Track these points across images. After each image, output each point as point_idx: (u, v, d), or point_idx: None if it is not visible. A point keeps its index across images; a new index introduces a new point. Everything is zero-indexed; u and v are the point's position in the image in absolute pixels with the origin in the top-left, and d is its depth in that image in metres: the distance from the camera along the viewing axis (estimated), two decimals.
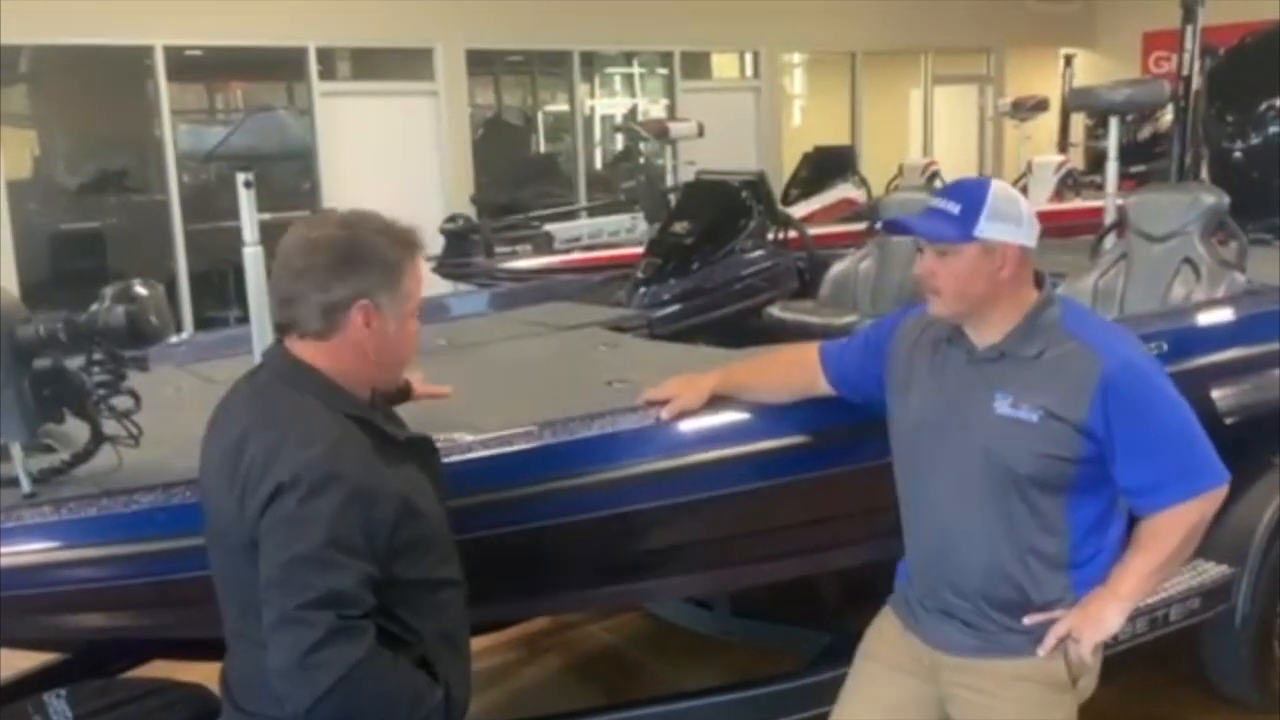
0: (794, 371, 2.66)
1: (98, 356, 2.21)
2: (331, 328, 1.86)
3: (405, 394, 2.44)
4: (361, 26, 8.53)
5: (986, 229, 2.17)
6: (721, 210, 4.83)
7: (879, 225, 5.01)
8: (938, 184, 9.61)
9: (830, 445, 2.74)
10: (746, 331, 4.67)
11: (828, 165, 8.94)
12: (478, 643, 4.19)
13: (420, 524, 1.90)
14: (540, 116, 11.06)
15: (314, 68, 8.39)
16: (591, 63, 10.82)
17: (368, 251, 1.87)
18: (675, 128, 7.04)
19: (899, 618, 2.46)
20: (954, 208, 2.21)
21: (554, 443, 2.50)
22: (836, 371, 2.57)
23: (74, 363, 2.24)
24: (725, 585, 3.48)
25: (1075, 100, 5.26)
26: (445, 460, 2.39)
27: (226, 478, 1.85)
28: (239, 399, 1.94)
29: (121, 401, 2.26)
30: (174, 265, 8.32)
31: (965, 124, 13.16)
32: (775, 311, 4.87)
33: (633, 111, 10.84)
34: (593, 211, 8.19)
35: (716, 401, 2.63)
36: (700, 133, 7.11)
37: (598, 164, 10.91)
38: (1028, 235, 2.21)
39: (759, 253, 4.60)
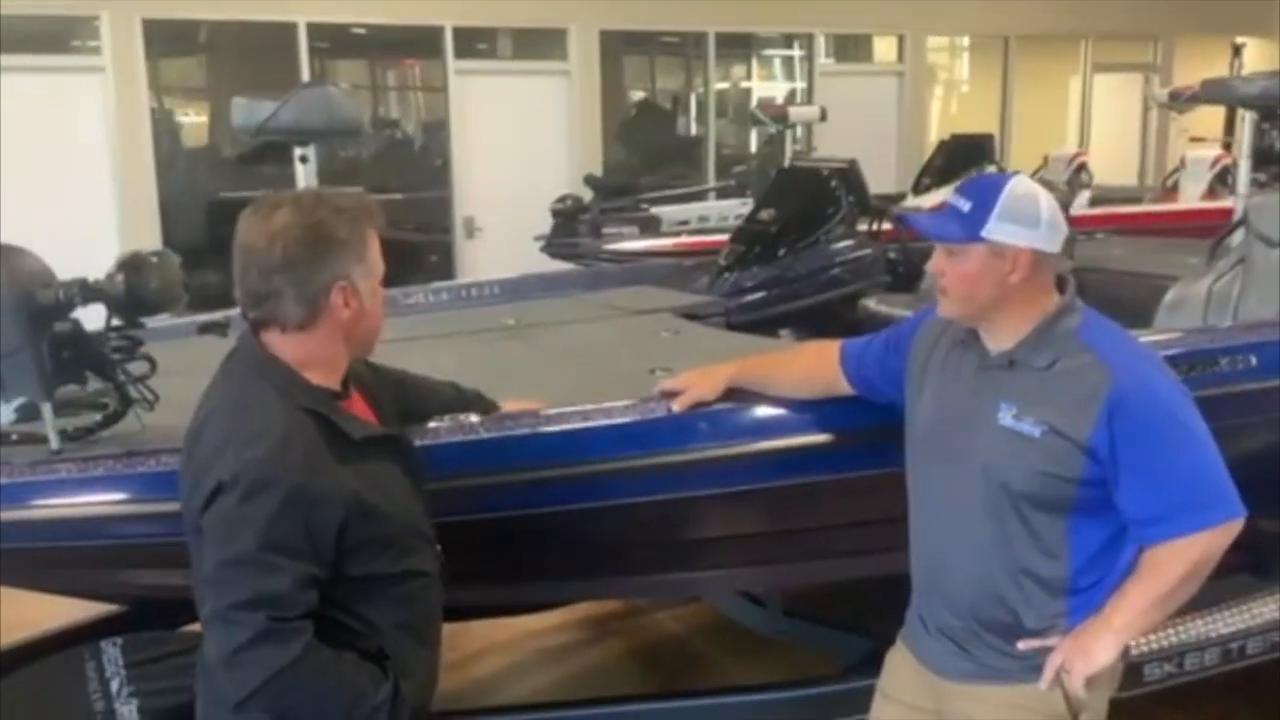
0: (814, 367, 2.57)
1: (115, 322, 2.30)
2: (313, 316, 1.87)
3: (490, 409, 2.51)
4: (498, 6, 8.64)
5: (995, 230, 2.04)
6: (809, 198, 4.72)
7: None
8: (1084, 177, 9.20)
9: (877, 444, 2.64)
10: (837, 323, 4.56)
11: (963, 154, 8.62)
12: (545, 620, 4.37)
13: (376, 522, 1.89)
14: (694, 99, 10.97)
15: (450, 46, 8.54)
16: (748, 44, 10.71)
17: (335, 233, 1.87)
18: (795, 112, 6.92)
19: (905, 641, 2.37)
20: (965, 205, 2.09)
21: (536, 433, 2.48)
22: (856, 370, 2.48)
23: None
24: (771, 582, 3.43)
25: (1206, 92, 4.92)
26: (453, 441, 2.43)
27: (184, 463, 1.90)
28: (212, 383, 1.96)
29: (137, 366, 2.35)
30: None
31: (1128, 115, 12.51)
32: (870, 304, 4.74)
33: (788, 95, 10.64)
34: (704, 195, 8.13)
35: (732, 394, 2.57)
36: (823, 117, 6.96)
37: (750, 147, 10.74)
38: (1045, 239, 2.06)
39: (846, 243, 4.47)
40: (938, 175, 8.53)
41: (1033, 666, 2.12)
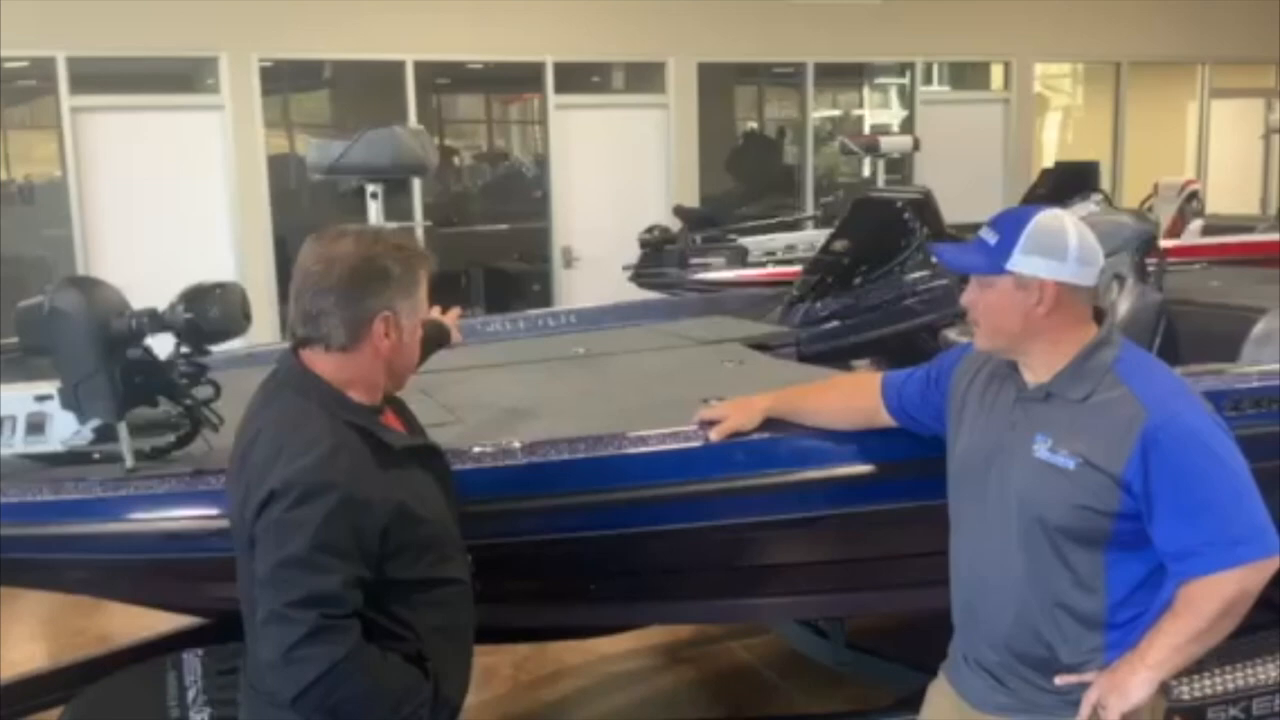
0: (854, 398, 2.59)
1: (184, 349, 2.45)
2: (355, 340, 1.99)
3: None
4: (597, 41, 8.82)
5: (1020, 262, 2.06)
6: (882, 229, 4.70)
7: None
8: (1195, 205, 8.92)
9: (935, 476, 2.64)
10: (917, 354, 4.53)
11: (1068, 182, 8.42)
12: (617, 645, 4.43)
13: (417, 527, 2.00)
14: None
15: (550, 81, 8.74)
16: (859, 73, 10.64)
17: (387, 268, 2.00)
18: (886, 142, 6.88)
19: (945, 674, 2.37)
20: (993, 238, 2.11)
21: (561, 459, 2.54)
22: (896, 402, 2.50)
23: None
24: (829, 610, 3.44)
25: None
26: (497, 465, 2.52)
27: (235, 478, 2.02)
28: (255, 403, 2.09)
29: (202, 391, 2.50)
30: None
31: (1249, 142, 12.07)
32: (951, 334, 4.70)
33: (869, 125, 10.58)
34: (800, 225, 8.13)
35: (770, 424, 2.60)
36: (916, 146, 6.90)
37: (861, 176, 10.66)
38: (1074, 272, 2.07)
39: (920, 274, 4.45)
40: (1041, 203, 8.36)
41: (1070, 701, 2.10)
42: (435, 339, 2.76)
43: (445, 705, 2.05)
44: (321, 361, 2.02)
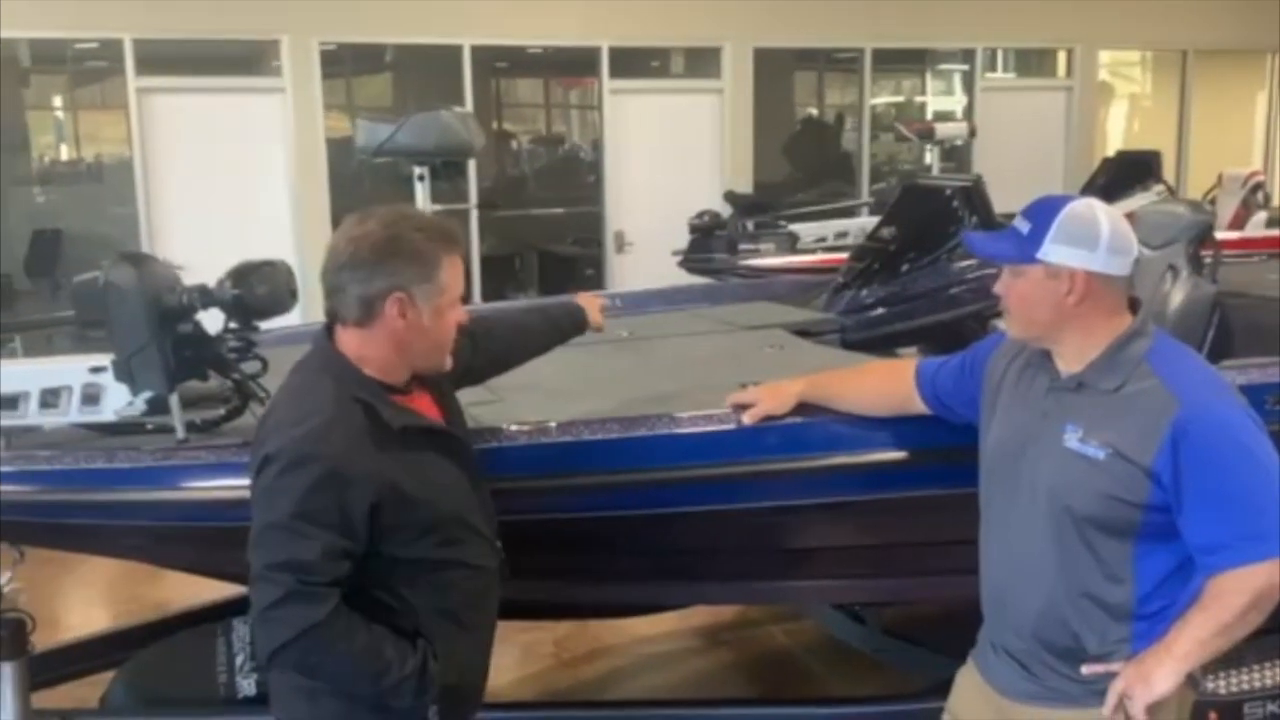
0: (888, 384, 2.60)
1: (232, 325, 2.53)
2: (369, 317, 2.01)
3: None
4: (653, 26, 8.82)
5: (1050, 251, 2.05)
6: (931, 217, 4.67)
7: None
8: (1259, 196, 8.73)
9: (970, 463, 2.65)
10: (961, 343, 4.51)
11: (1128, 171, 8.29)
12: (656, 626, 4.48)
13: (412, 508, 2.01)
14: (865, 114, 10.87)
15: (605, 66, 8.77)
16: (921, 59, 10.57)
17: (406, 247, 2.00)
18: (942, 129, 6.82)
19: (974, 661, 2.38)
20: (1025, 227, 2.10)
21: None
22: (930, 389, 2.50)
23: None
24: (863, 595, 3.44)
25: None
26: (533, 443, 2.56)
27: (254, 443, 2.08)
28: (287, 376, 2.14)
29: (250, 365, 2.57)
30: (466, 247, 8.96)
31: None
32: (1000, 324, 4.67)
33: (930, 112, 10.48)
34: (855, 211, 8.08)
35: (803, 409, 2.62)
36: (972, 134, 6.83)
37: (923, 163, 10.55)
38: (1105, 261, 2.06)
39: (967, 262, 4.41)
40: (1100, 193, 8.22)
41: (1097, 691, 2.10)
42: (566, 326, 2.78)
43: (438, 686, 2.05)
44: (345, 337, 2.06)
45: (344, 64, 8.63)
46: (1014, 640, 2.22)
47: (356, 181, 8.53)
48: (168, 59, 7.63)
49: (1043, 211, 2.09)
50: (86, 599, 5.02)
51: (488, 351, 2.51)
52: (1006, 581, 2.23)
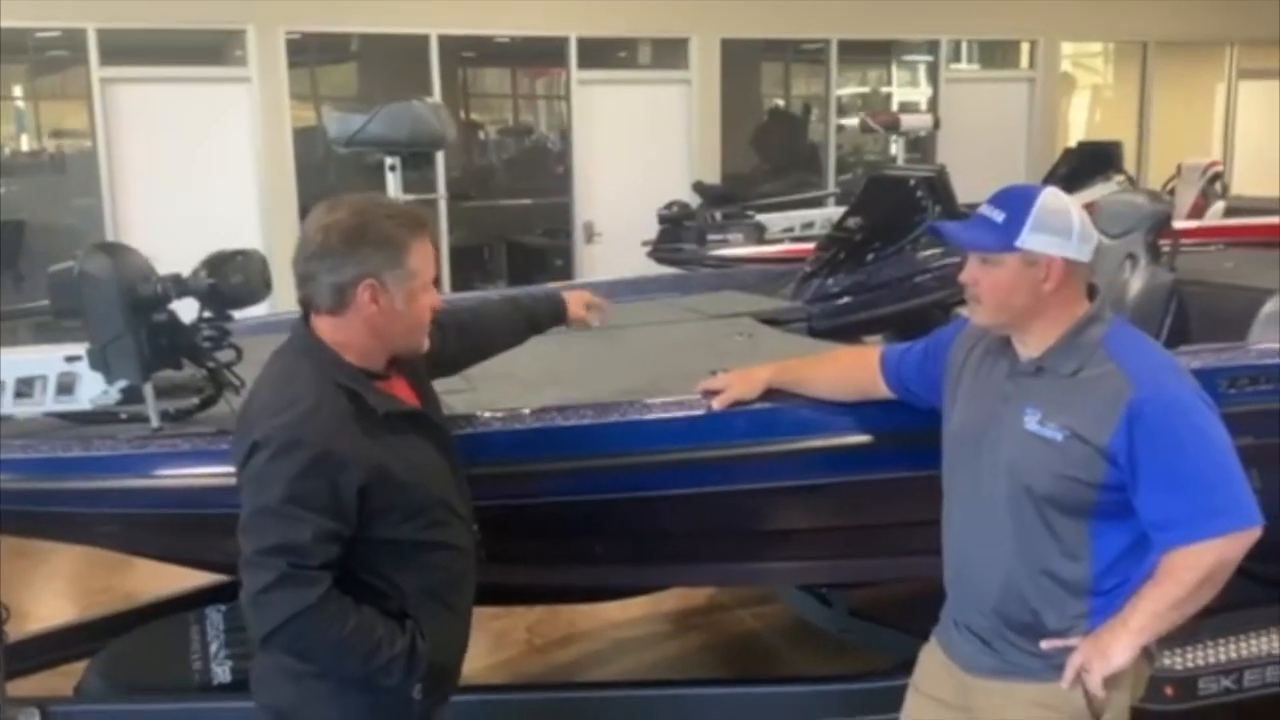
0: (853, 370, 2.66)
1: (206, 314, 2.55)
2: (342, 304, 2.04)
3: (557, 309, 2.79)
4: (621, 16, 8.85)
5: (1029, 240, 2.11)
6: (895, 207, 4.75)
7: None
8: (1218, 187, 8.88)
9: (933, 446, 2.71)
10: (926, 331, 4.59)
11: (1089, 162, 8.40)
12: (628, 611, 4.53)
13: (398, 490, 2.05)
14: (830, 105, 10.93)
15: (574, 56, 8.79)
16: (887, 50, 10.62)
17: (374, 234, 2.03)
18: (907, 120, 6.89)
19: (937, 638, 2.44)
20: (998, 216, 2.16)
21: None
22: (895, 375, 2.56)
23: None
24: (831, 577, 3.50)
25: None
26: (506, 430, 2.60)
27: (236, 434, 2.10)
28: (266, 364, 2.16)
29: (224, 354, 2.60)
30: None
31: (1277, 123, 11.97)
32: (963, 312, 4.75)
33: (896, 103, 10.57)
34: (821, 202, 8.16)
35: (771, 394, 2.68)
36: (936, 125, 6.91)
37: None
38: (1077, 249, 2.12)
39: (932, 251, 4.49)
40: (1061, 183, 8.32)
41: (1056, 665, 2.17)
42: (543, 315, 2.77)
43: (425, 663, 2.08)
44: (321, 324, 2.08)
45: (309, 53, 8.59)
46: (976, 617, 2.29)
47: (323, 171, 8.51)
48: (132, 49, 7.58)
49: (1016, 201, 2.15)
50: (56, 590, 5.01)
51: (460, 341, 2.54)
52: (968, 560, 2.29)
